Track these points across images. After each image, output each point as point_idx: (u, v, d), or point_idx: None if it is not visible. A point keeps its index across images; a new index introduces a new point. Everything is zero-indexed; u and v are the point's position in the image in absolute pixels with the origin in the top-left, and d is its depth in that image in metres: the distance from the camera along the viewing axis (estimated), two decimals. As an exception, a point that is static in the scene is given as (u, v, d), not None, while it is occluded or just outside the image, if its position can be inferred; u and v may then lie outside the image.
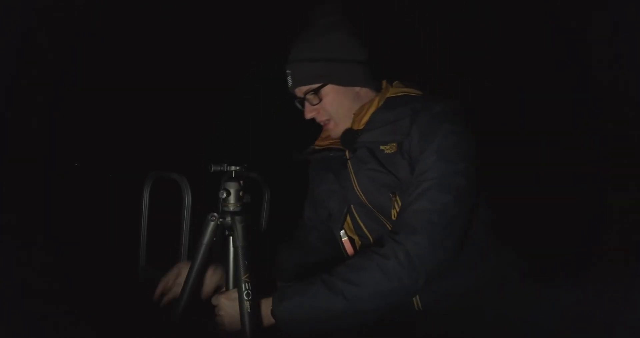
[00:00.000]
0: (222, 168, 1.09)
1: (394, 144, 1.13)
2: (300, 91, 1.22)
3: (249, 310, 0.99)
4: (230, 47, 3.68)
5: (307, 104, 1.22)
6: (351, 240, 1.30)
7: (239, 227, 1.05)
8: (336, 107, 1.20)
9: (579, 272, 1.96)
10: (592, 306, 0.98)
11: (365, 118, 1.19)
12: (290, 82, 1.23)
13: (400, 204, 1.11)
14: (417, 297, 1.14)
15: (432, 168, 1.04)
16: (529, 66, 2.56)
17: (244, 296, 1.00)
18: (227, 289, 1.09)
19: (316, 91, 1.18)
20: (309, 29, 1.23)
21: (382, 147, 1.15)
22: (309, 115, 1.23)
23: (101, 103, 3.85)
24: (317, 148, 1.33)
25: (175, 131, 3.69)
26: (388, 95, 1.22)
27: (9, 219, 2.72)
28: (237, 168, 1.08)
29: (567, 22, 2.42)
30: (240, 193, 1.09)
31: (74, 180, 3.81)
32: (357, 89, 1.22)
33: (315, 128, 1.37)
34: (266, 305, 1.04)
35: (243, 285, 1.01)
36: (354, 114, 1.21)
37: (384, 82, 1.29)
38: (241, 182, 1.10)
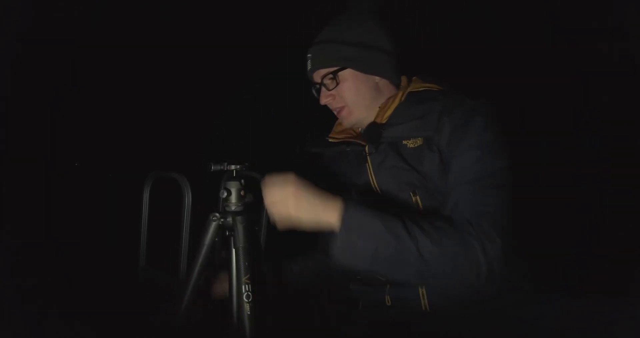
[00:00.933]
0: (222, 167, 1.07)
1: (419, 140, 1.09)
2: (318, 74, 1.18)
3: (248, 313, 0.97)
4: (231, 47, 3.67)
5: (323, 89, 1.17)
6: None
7: (239, 227, 1.04)
8: (353, 93, 1.15)
9: (581, 276, 1.96)
10: (595, 313, 0.96)
11: (389, 112, 1.15)
12: (309, 66, 1.18)
13: (421, 204, 1.07)
14: (425, 297, 1.11)
15: (468, 169, 1.00)
16: (528, 66, 2.55)
17: (244, 298, 0.98)
18: (230, 292, 1.06)
19: (334, 74, 1.13)
20: (338, 16, 1.19)
21: (405, 142, 1.11)
22: (324, 100, 1.18)
23: (101, 103, 3.85)
24: (332, 140, 1.27)
25: (175, 131, 3.69)
26: (409, 90, 1.18)
27: (9, 219, 2.71)
28: (238, 166, 1.07)
29: (567, 22, 2.41)
30: (242, 193, 1.07)
31: (74, 180, 3.81)
32: (377, 79, 1.17)
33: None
34: (332, 207, 0.89)
35: (243, 287, 0.99)
36: (379, 107, 1.17)
37: (404, 78, 1.24)
38: (242, 181, 1.09)
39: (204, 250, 1.06)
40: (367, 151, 1.18)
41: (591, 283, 1.89)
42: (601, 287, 1.85)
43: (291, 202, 0.91)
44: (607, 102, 2.39)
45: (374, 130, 1.17)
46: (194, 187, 2.24)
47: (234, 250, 1.04)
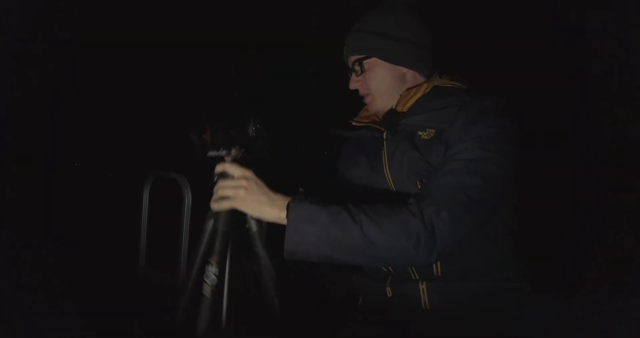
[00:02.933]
0: (218, 154, 1.05)
1: (432, 130, 1.14)
2: (350, 60, 1.23)
3: (205, 294, 0.95)
4: (231, 47, 3.68)
5: (353, 74, 1.23)
6: None
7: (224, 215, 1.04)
8: (377, 82, 1.21)
9: (580, 276, 1.96)
10: (594, 313, 0.97)
11: (411, 102, 1.20)
12: (344, 52, 1.25)
13: None
14: (426, 296, 1.11)
15: (466, 150, 1.04)
16: (527, 66, 2.56)
17: (204, 277, 0.97)
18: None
19: (360, 62, 1.20)
20: (377, 6, 1.25)
21: (420, 132, 1.15)
22: (353, 85, 1.24)
23: (101, 103, 3.85)
24: (355, 124, 1.32)
25: (175, 131, 3.69)
26: (436, 84, 1.22)
27: (9, 219, 2.72)
28: (234, 152, 1.05)
29: (567, 23, 2.42)
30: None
31: (74, 180, 3.81)
32: (405, 70, 1.21)
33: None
34: (283, 203, 0.99)
35: (206, 266, 0.98)
36: (400, 95, 1.21)
37: (436, 74, 1.25)
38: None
39: (201, 248, 1.05)
40: (384, 137, 1.22)
41: (590, 283, 1.89)
42: (600, 288, 1.86)
43: (241, 193, 0.99)
44: (607, 102, 2.39)
45: (392, 117, 1.21)
46: (194, 187, 2.25)
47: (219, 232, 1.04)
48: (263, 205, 0.99)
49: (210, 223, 1.04)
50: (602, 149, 2.33)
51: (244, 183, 0.99)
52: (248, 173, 1.00)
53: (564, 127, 2.45)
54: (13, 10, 2.60)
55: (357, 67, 1.21)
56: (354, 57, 1.21)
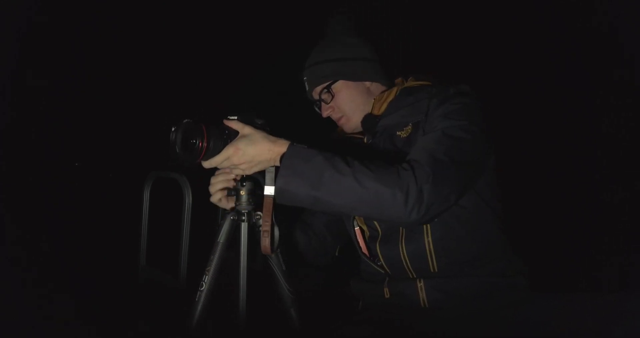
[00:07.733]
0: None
1: (409, 127, 1.22)
2: (315, 93, 1.33)
3: (197, 300, 1.02)
4: (231, 49, 3.69)
5: (322, 103, 1.32)
6: (361, 230, 1.31)
7: (226, 222, 1.07)
8: (348, 101, 1.30)
9: (578, 273, 1.97)
10: (593, 311, 0.97)
11: (385, 105, 1.29)
12: (307, 87, 1.35)
13: None
14: (424, 294, 1.14)
15: (437, 124, 1.12)
16: (525, 66, 2.57)
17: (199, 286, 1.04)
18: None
19: (328, 88, 1.29)
20: (321, 39, 1.36)
21: (398, 132, 1.23)
22: (325, 113, 1.33)
23: (101, 103, 3.86)
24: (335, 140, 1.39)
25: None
26: (404, 86, 1.31)
27: (9, 219, 2.73)
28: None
29: (564, 22, 2.43)
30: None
31: (74, 180, 3.82)
32: (367, 84, 1.32)
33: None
34: (282, 145, 1.02)
35: (204, 276, 1.05)
36: (374, 99, 1.31)
37: (400, 79, 1.37)
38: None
39: (219, 249, 1.08)
40: (365, 141, 1.29)
41: (589, 280, 1.90)
42: (599, 285, 1.86)
43: (236, 162, 1.01)
44: (606, 101, 2.40)
45: (370, 120, 1.29)
46: (194, 187, 2.26)
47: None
48: (261, 154, 1.01)
49: (228, 222, 1.07)
50: (605, 143, 2.34)
51: (230, 155, 1.00)
52: (231, 150, 1.00)
53: (562, 125, 2.46)
54: (13, 9, 2.61)
55: (325, 96, 1.30)
56: (319, 88, 1.30)
